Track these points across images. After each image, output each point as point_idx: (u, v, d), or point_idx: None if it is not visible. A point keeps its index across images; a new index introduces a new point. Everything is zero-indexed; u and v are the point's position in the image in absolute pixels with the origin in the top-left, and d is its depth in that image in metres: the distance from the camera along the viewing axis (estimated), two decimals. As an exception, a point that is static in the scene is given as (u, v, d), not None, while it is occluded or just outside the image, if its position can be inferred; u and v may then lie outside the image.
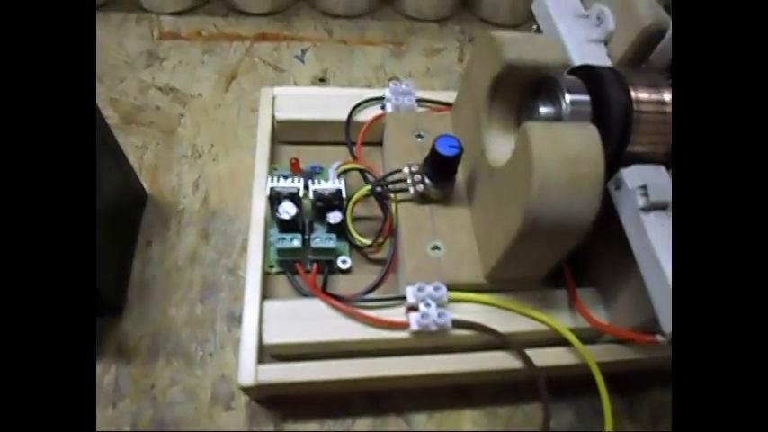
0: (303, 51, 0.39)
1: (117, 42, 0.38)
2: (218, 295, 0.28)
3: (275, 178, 0.25)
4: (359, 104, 0.30)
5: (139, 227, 0.30)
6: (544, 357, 0.24)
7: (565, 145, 0.19)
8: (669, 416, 0.28)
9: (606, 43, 0.25)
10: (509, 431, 0.26)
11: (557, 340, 0.25)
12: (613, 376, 0.25)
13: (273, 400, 0.25)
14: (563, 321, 0.24)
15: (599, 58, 0.24)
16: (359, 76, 0.38)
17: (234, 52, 0.38)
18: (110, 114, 0.34)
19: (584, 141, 0.19)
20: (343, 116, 0.29)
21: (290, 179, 0.26)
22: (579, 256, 0.25)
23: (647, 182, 0.20)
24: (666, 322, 0.19)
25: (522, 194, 0.19)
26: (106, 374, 0.26)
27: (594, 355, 0.24)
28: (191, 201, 0.31)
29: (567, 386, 0.27)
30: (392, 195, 0.26)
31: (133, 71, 0.36)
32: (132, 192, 0.30)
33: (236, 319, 0.28)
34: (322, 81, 0.37)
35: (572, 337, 0.24)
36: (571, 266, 0.25)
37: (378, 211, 0.27)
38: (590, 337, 0.25)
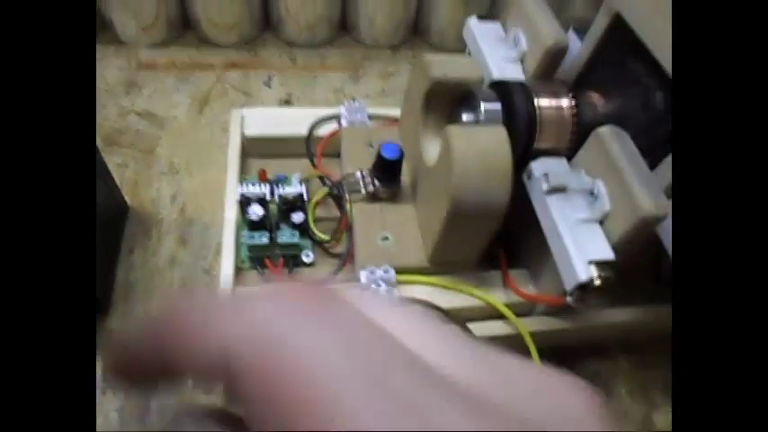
0: (269, 77, 0.44)
1: (98, 72, 0.42)
2: (195, 293, 0.32)
3: (245, 185, 0.30)
4: (318, 121, 0.34)
5: (122, 236, 0.33)
6: (484, 330, 0.28)
7: (479, 142, 0.24)
8: (603, 383, 0.32)
9: (522, 61, 0.30)
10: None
11: (494, 315, 0.29)
12: (550, 349, 0.30)
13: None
14: (498, 297, 0.29)
15: (515, 74, 0.30)
16: (321, 98, 0.43)
17: (206, 80, 0.43)
18: (93, 138, 0.38)
19: (494, 139, 0.24)
20: (304, 132, 0.34)
21: (257, 186, 0.30)
22: (512, 241, 0.30)
23: (549, 170, 0.25)
24: (569, 283, 0.23)
25: (448, 185, 0.24)
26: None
27: (527, 326, 0.28)
28: (169, 212, 0.35)
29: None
30: (347, 196, 0.30)
31: (114, 98, 0.40)
32: (115, 205, 0.34)
33: (212, 313, 0.31)
34: (287, 103, 0.42)
35: (506, 311, 0.28)
36: (506, 251, 0.30)
37: (335, 213, 0.32)
38: (523, 312, 0.29)
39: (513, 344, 0.29)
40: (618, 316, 0.31)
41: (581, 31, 0.33)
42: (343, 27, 0.48)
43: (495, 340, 0.29)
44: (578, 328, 0.30)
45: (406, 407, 0.08)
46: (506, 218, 0.26)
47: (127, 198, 0.35)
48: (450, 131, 0.24)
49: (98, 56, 0.43)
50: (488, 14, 0.48)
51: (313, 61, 0.46)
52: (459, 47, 0.49)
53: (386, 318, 0.09)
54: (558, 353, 0.32)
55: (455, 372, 0.09)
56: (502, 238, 0.29)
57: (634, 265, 0.30)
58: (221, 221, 0.31)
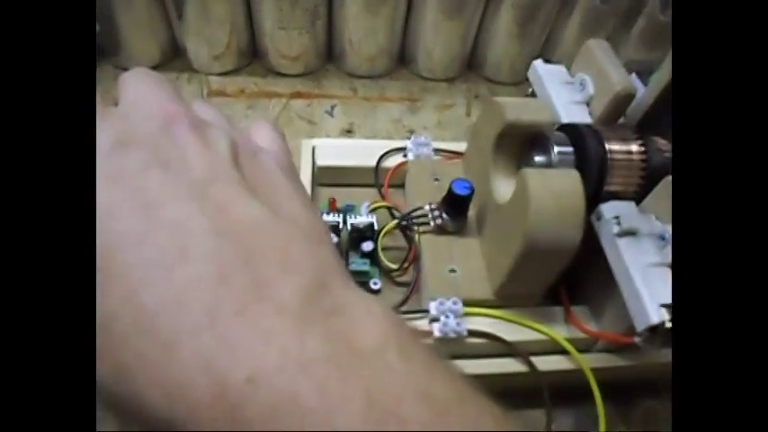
0: (332, 107, 0.46)
1: (173, 100, 0.45)
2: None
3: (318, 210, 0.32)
4: (385, 153, 0.36)
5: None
6: (545, 363, 0.30)
7: (554, 184, 0.25)
8: (658, 420, 0.33)
9: (588, 104, 0.32)
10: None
11: (556, 350, 0.30)
12: (607, 385, 0.30)
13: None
14: (560, 332, 0.30)
15: (582, 116, 0.31)
16: (380, 128, 0.45)
17: (273, 108, 0.45)
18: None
19: (568, 182, 0.26)
20: (372, 163, 0.36)
21: (330, 215, 0.32)
22: (573, 278, 0.31)
23: (620, 213, 0.26)
24: (640, 324, 0.24)
25: (522, 223, 0.25)
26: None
27: (588, 362, 0.29)
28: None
29: (567, 394, 0.31)
30: (416, 228, 0.32)
31: (188, 124, 0.43)
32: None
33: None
34: (349, 132, 0.44)
35: (568, 345, 0.29)
36: (566, 287, 0.31)
37: (403, 243, 0.33)
38: (584, 347, 0.30)
39: (575, 379, 0.30)
40: (677, 356, 0.31)
41: (642, 75, 0.34)
42: (402, 60, 0.51)
43: (557, 374, 0.30)
44: (637, 366, 0.31)
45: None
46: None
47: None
48: (527, 174, 0.25)
49: (172, 82, 0.46)
50: (542, 50, 0.50)
51: (373, 92, 0.48)
52: (513, 80, 0.51)
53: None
54: (615, 389, 0.33)
55: None
56: (564, 276, 0.30)
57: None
58: None
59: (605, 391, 0.29)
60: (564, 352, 0.30)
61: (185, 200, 0.13)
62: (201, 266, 0.12)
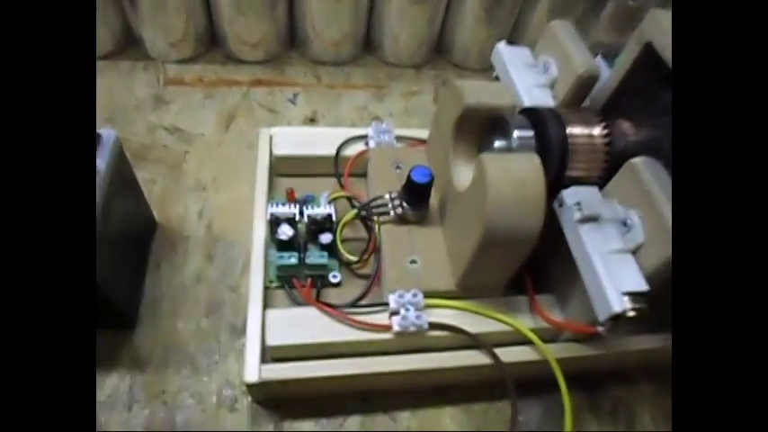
0: (295, 95, 0.45)
1: (126, 88, 0.43)
2: (221, 310, 0.32)
3: (274, 205, 0.30)
4: (346, 141, 0.35)
5: (150, 251, 0.34)
6: (510, 355, 0.29)
7: (513, 170, 0.24)
8: (626, 408, 0.32)
9: (551, 87, 0.31)
10: (483, 429, 0.30)
11: (520, 340, 0.29)
12: (575, 374, 0.30)
13: (273, 401, 0.29)
14: (525, 323, 0.29)
15: (545, 100, 0.30)
16: (345, 116, 0.44)
17: (232, 96, 0.44)
18: (121, 153, 0.39)
19: (528, 167, 0.25)
20: (332, 151, 0.35)
21: (286, 206, 0.30)
22: (537, 267, 0.30)
23: (581, 199, 0.25)
24: (602, 313, 0.24)
25: (480, 211, 0.24)
26: (121, 383, 0.29)
27: (554, 352, 0.29)
28: (196, 228, 0.36)
29: (535, 385, 0.31)
30: (375, 218, 0.31)
31: (142, 113, 0.41)
32: (144, 220, 0.34)
33: (237, 331, 0.32)
34: (312, 121, 0.43)
35: (533, 336, 0.28)
36: (531, 276, 0.30)
37: (363, 234, 0.32)
38: (549, 337, 0.30)
39: (541, 369, 0.29)
40: (642, 343, 0.31)
41: (608, 58, 0.34)
42: (367, 46, 0.49)
43: (523, 365, 0.29)
44: (603, 355, 0.30)
45: None
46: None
47: (155, 213, 0.35)
48: (485, 159, 0.24)
49: (126, 71, 0.44)
50: (511, 35, 0.49)
51: (337, 79, 0.46)
52: (482, 66, 0.50)
53: None
54: (582, 378, 0.32)
55: None
56: (528, 264, 0.30)
57: (660, 295, 0.30)
58: (248, 239, 0.31)
59: (573, 380, 0.29)
60: (529, 342, 0.29)
61: None
62: None
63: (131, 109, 0.42)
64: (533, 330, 0.29)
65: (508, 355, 0.29)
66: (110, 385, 0.29)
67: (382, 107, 0.45)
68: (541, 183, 0.24)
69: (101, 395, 0.29)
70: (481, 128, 0.29)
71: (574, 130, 0.27)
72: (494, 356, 0.28)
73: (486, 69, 0.50)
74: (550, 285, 0.31)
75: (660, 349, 0.31)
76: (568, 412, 0.28)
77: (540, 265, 0.30)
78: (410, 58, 0.48)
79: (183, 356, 0.31)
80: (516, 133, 0.26)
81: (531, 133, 0.27)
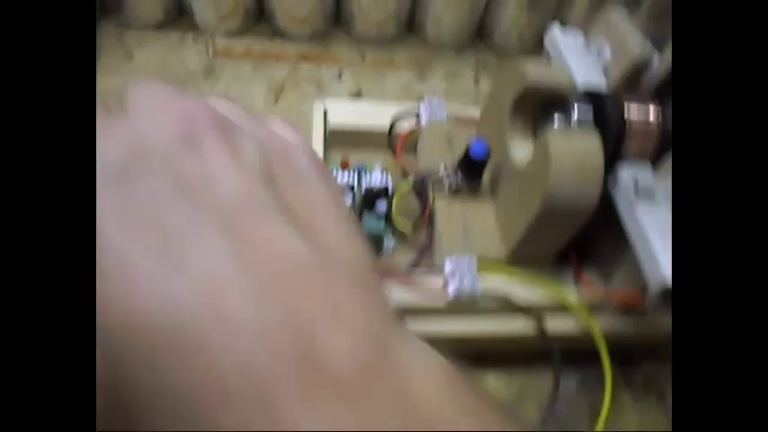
0: (340, 72, 0.46)
1: (177, 58, 0.44)
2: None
3: (333, 171, 0.32)
4: (400, 115, 0.36)
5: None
6: (555, 325, 0.30)
7: (574, 145, 0.26)
8: (658, 383, 0.34)
9: (605, 71, 0.32)
10: (522, 396, 0.32)
11: (566, 311, 0.31)
12: (611, 348, 0.31)
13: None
14: (571, 294, 0.31)
15: (599, 81, 0.31)
16: (389, 94, 0.45)
17: (280, 70, 0.45)
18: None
19: (589, 144, 0.26)
20: (385, 124, 0.36)
21: (344, 174, 0.32)
22: (583, 242, 0.32)
23: (637, 176, 0.27)
24: (654, 285, 0.25)
25: (542, 183, 0.26)
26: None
27: (597, 325, 0.30)
28: (249, 194, 0.37)
29: (573, 356, 0.32)
30: (430, 190, 0.32)
31: (194, 82, 0.43)
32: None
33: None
34: (359, 96, 0.44)
35: (579, 308, 0.30)
36: (577, 251, 0.32)
37: (414, 206, 0.34)
38: (593, 311, 0.31)
39: (581, 341, 0.30)
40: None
41: (656, 43, 0.35)
42: (411, 26, 0.50)
43: (566, 336, 0.31)
44: (647, 331, 0.32)
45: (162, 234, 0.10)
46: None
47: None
48: (550, 134, 0.26)
49: (176, 41, 0.46)
50: (554, 18, 0.50)
51: (381, 58, 0.48)
52: (521, 50, 0.51)
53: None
54: (617, 352, 0.34)
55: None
56: (575, 240, 0.31)
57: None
58: None
59: (615, 354, 0.30)
60: (574, 314, 0.31)
61: (216, 241, 0.10)
62: (243, 341, 0.10)
63: (183, 78, 0.43)
64: (579, 301, 0.30)
65: (554, 325, 0.30)
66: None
67: (425, 87, 0.46)
68: (600, 157, 0.26)
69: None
70: (538, 107, 0.30)
71: (631, 111, 0.28)
72: (539, 325, 0.30)
73: (525, 53, 0.51)
74: (595, 260, 0.32)
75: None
76: (609, 384, 0.30)
77: (585, 240, 0.32)
78: (452, 40, 0.50)
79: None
80: (577, 112, 0.28)
81: (590, 113, 0.28)
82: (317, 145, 0.35)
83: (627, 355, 0.34)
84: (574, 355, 0.32)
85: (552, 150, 0.25)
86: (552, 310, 0.31)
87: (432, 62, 0.48)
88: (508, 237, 0.30)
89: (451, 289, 0.29)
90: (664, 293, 0.25)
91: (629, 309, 0.30)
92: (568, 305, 0.30)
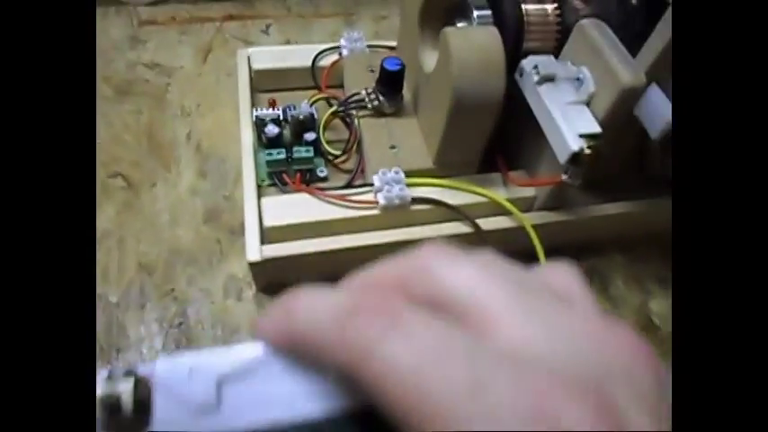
0: (267, 26, 0.47)
1: (102, 31, 0.45)
2: (219, 217, 0.35)
3: (259, 109, 0.33)
4: (321, 51, 0.37)
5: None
6: (489, 224, 0.32)
7: (474, 40, 0.27)
8: (600, 276, 0.36)
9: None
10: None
11: (497, 212, 0.32)
12: (551, 248, 0.33)
13: (275, 287, 0.32)
14: (500, 195, 0.32)
15: (502, -12, 0.33)
16: (318, 42, 0.46)
17: (206, 31, 0.46)
18: (104, 89, 0.41)
19: (488, 36, 0.27)
20: (309, 63, 0.37)
21: (270, 110, 0.33)
22: (507, 149, 0.33)
23: (538, 62, 0.28)
24: (562, 156, 0.27)
25: (448, 81, 0.27)
26: (132, 286, 0.32)
27: (530, 219, 0.32)
28: (185, 149, 0.38)
29: (513, 258, 0.34)
30: (354, 113, 0.33)
31: (120, 53, 0.43)
32: (135, 144, 0.36)
33: (236, 233, 0.34)
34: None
35: (508, 205, 0.32)
36: (502, 156, 0.33)
37: (344, 135, 0.35)
38: (524, 208, 0.33)
39: (519, 242, 0.32)
40: (610, 210, 0.34)
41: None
42: (334, -24, 0.51)
43: (501, 234, 0.32)
44: (575, 221, 0.34)
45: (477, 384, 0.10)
46: (501, 121, 0.29)
47: (144, 140, 0.38)
48: (448, 32, 0.27)
49: (100, 17, 0.46)
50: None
51: (307, 10, 0.48)
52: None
53: (460, 277, 0.13)
54: (557, 251, 0.35)
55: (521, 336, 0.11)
56: (498, 146, 0.33)
57: (621, 161, 0.34)
58: (237, 155, 0.34)
59: (549, 253, 0.32)
60: (505, 213, 0.32)
61: None
62: None
63: (109, 50, 0.43)
64: (509, 200, 0.32)
65: (487, 224, 0.32)
66: (119, 290, 0.32)
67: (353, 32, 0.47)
68: (500, 49, 0.27)
69: (112, 298, 0.31)
70: (444, 16, 0.32)
71: (528, 7, 0.29)
72: (474, 225, 0.31)
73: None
74: (520, 163, 0.34)
75: (625, 216, 0.34)
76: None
77: (509, 148, 0.34)
78: (376, -14, 0.51)
79: (188, 258, 0.33)
80: (476, 13, 0.29)
81: (489, 12, 0.29)
82: (244, 91, 0.36)
83: (568, 253, 0.36)
84: (513, 257, 0.34)
85: (452, 45, 0.27)
86: (484, 212, 0.32)
87: (358, 8, 0.49)
88: (431, 144, 0.32)
89: (381, 198, 0.30)
90: (574, 163, 0.27)
91: (557, 198, 0.32)
92: (496, 200, 0.31)
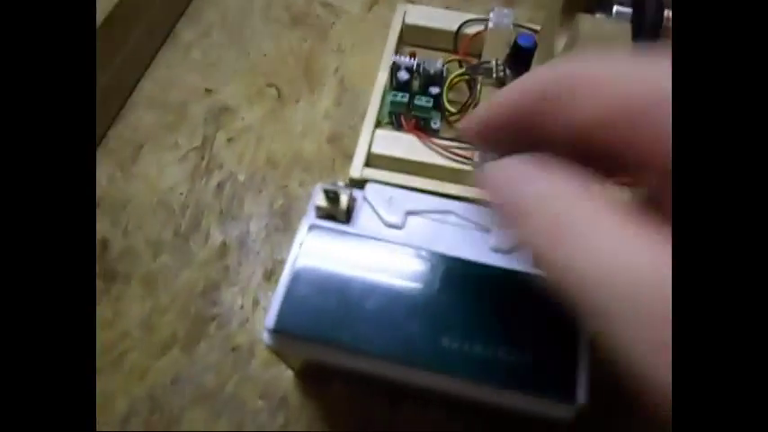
0: (432, -9, 0.51)
1: (294, -31, 0.53)
2: (341, 141, 0.41)
3: (398, 56, 0.38)
4: (468, 20, 0.41)
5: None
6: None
7: (604, 30, 0.29)
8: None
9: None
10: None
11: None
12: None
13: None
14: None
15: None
16: (477, 11, 0.50)
17: (378, -13, 0.52)
18: (283, 15, 0.49)
19: (619, 31, 0.29)
20: (454, 27, 0.41)
21: (408, 59, 0.38)
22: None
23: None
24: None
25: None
26: (257, 173, 0.39)
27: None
28: (331, 79, 0.45)
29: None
30: (479, 78, 0.37)
31: (303, -10, 0.51)
32: (294, 64, 0.44)
33: (349, 158, 0.40)
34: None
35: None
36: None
37: (464, 97, 0.39)
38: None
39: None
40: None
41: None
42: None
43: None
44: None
45: None
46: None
47: (302, 64, 0.45)
48: (581, 17, 0.30)
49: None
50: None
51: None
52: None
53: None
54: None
55: None
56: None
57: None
58: (370, 92, 0.39)
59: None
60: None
61: None
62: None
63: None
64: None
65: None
66: (247, 173, 0.39)
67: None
68: (628, 44, 0.29)
69: (240, 177, 0.39)
70: (586, 5, 0.34)
71: (671, 14, 0.30)
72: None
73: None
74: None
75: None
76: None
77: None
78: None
79: (306, 165, 0.40)
80: (616, 7, 0.31)
81: (629, 9, 0.31)
82: (393, 36, 0.41)
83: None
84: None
85: (581, 30, 0.29)
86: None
87: (523, -8, 0.52)
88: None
89: (477, 156, 0.33)
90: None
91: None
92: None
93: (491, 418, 0.30)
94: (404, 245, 0.23)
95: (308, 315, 0.22)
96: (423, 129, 0.37)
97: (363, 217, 0.25)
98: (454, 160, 0.34)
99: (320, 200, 0.25)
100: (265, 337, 0.22)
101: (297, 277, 0.22)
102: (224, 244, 0.37)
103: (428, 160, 0.34)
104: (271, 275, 0.35)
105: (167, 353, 0.32)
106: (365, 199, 0.26)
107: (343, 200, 0.25)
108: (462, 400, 0.26)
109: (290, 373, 0.32)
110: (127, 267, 0.35)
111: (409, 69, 0.37)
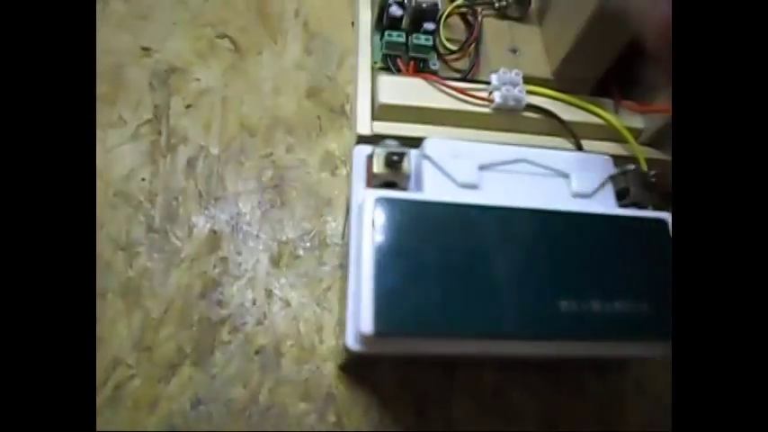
0: None
1: None
2: (321, 95, 0.36)
3: (384, -11, 0.33)
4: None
5: (252, 39, 0.38)
6: (593, 147, 0.33)
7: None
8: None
9: None
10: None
11: (606, 137, 0.33)
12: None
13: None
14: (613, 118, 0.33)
15: None
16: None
17: None
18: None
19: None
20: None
21: (395, -8, 0.34)
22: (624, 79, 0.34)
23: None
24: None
25: (598, -18, 0.28)
26: (233, 143, 0.34)
27: (644, 152, 0.32)
28: (293, 24, 0.39)
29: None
30: (479, 10, 0.34)
31: None
32: (247, 8, 0.37)
33: (336, 113, 0.36)
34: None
35: (624, 131, 0.32)
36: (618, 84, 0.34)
37: (459, 34, 0.35)
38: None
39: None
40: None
41: None
42: None
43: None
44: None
45: None
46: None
47: (253, 7, 0.39)
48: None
49: None
50: None
51: None
52: None
53: None
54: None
55: None
56: (614, 74, 0.33)
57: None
58: (343, 38, 0.35)
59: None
60: (613, 140, 0.33)
61: None
62: None
63: None
64: (620, 122, 0.32)
65: (591, 147, 0.33)
66: (220, 144, 0.34)
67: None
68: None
69: (213, 150, 0.33)
70: None
71: None
72: (578, 146, 0.32)
73: None
74: (634, 95, 0.34)
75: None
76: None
77: (624, 77, 0.34)
78: None
79: (288, 127, 0.35)
80: None
81: None
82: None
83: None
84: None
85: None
86: (593, 134, 0.33)
87: None
88: (553, 56, 0.32)
89: (498, 96, 0.31)
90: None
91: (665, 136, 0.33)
92: (613, 124, 0.32)
93: (546, 373, 0.29)
94: (487, 206, 0.20)
95: (411, 308, 0.18)
96: (422, 71, 0.34)
97: (429, 180, 0.22)
98: (472, 103, 0.31)
99: (378, 165, 0.21)
100: (361, 344, 0.19)
101: (382, 265, 0.19)
102: (213, 232, 0.31)
103: (444, 105, 0.31)
104: (280, 260, 0.31)
105: (177, 372, 0.27)
106: (427, 158, 0.23)
107: (406, 164, 0.21)
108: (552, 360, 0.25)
109: (329, 367, 0.28)
110: (96, 280, 0.29)
111: (400, 3, 0.33)
